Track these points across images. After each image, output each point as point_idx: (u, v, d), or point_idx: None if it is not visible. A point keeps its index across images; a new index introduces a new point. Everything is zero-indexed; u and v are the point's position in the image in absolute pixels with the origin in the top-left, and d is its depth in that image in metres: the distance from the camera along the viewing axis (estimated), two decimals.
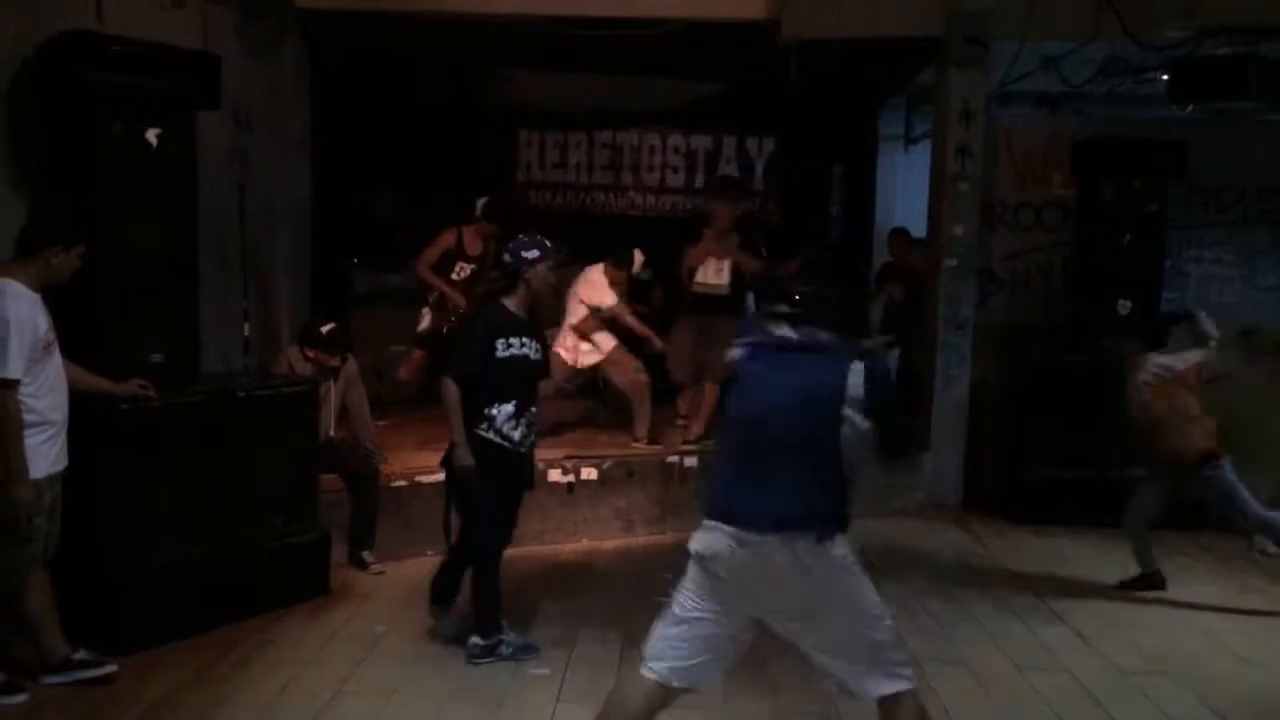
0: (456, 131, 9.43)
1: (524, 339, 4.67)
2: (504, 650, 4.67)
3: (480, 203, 7.64)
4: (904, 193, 10.24)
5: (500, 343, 4.60)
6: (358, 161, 8.71)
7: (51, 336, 4.14)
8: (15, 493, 3.99)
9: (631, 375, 7.25)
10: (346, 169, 8.47)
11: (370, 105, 8.71)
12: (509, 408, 4.60)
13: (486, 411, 4.58)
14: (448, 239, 7.58)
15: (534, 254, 4.71)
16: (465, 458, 4.57)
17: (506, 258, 4.79)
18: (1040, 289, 7.97)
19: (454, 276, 7.55)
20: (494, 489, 4.67)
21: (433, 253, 7.57)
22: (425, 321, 7.80)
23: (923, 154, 9.96)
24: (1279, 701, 4.57)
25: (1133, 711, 4.35)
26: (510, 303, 4.73)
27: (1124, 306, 7.28)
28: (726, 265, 7.35)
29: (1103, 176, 7.32)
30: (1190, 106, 7.92)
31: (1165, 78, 7.89)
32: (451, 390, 4.57)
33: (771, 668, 4.62)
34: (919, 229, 9.02)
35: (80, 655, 4.33)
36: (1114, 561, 6.07)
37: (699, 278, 7.45)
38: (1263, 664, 4.86)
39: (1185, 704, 4.43)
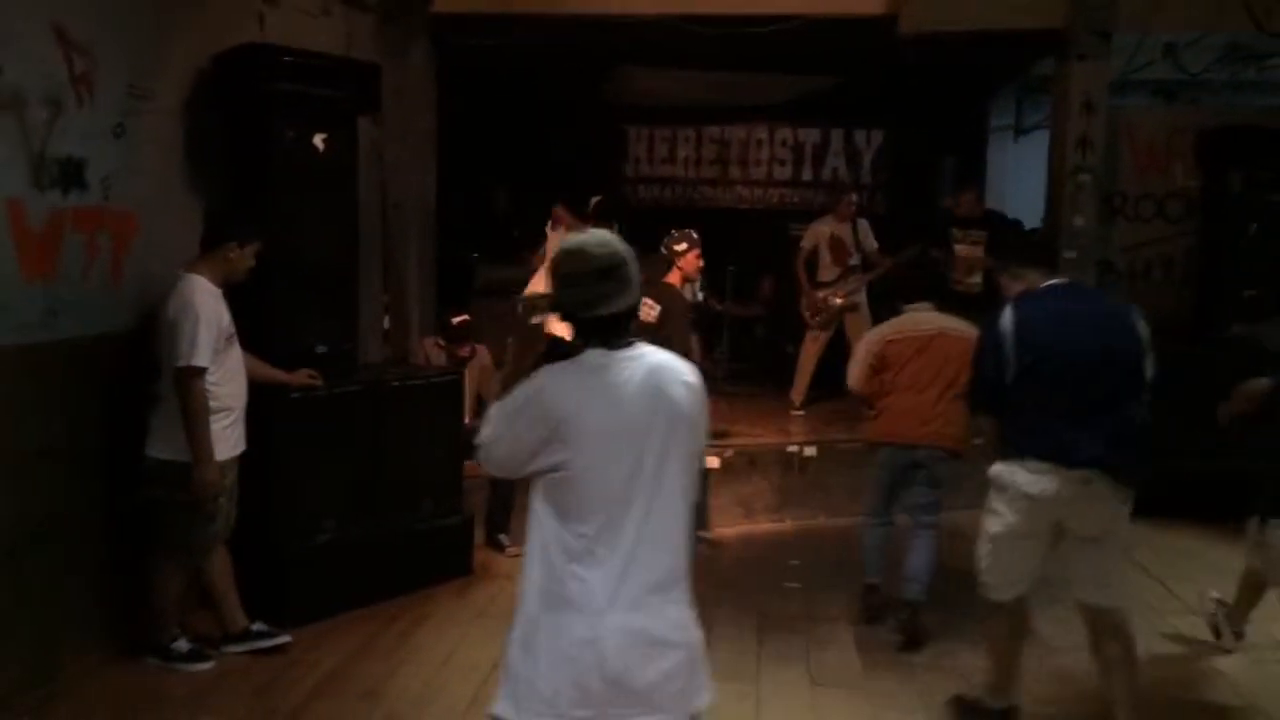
0: (571, 128, 9.68)
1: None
2: None
3: (593, 202, 7.90)
4: (1014, 183, 10.22)
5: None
6: (478, 158, 9.01)
7: (232, 329, 4.44)
8: (202, 474, 4.28)
9: None
10: (467, 166, 8.77)
11: (489, 104, 9.00)
12: None
13: None
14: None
15: (683, 246, 5.92)
16: None
17: (663, 250, 5.95)
18: (1161, 280, 7.88)
19: None
20: None
21: (550, 253, 7.85)
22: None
23: (1032, 144, 9.96)
24: None
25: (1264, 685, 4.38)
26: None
27: (1250, 296, 7.21)
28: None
29: (1230, 166, 7.24)
30: None
31: None
32: None
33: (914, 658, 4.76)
34: (1029, 219, 9.01)
35: (258, 626, 4.64)
36: (1229, 554, 6.04)
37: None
38: None
39: None
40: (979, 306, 7.44)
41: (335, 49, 6.07)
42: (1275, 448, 4.58)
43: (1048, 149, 7.94)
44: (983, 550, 3.87)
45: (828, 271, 8.33)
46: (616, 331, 2.43)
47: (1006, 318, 3.73)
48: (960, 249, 7.84)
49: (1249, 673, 4.65)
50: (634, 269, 2.45)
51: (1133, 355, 3.71)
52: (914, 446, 5.06)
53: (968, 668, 4.59)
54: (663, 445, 2.40)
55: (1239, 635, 4.87)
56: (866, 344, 5.29)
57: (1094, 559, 3.76)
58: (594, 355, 2.43)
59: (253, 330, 4.64)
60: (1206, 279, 7.40)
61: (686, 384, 2.46)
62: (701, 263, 6.06)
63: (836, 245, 8.32)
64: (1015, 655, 4.01)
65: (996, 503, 3.79)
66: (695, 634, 2.49)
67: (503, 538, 6.14)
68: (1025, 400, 3.67)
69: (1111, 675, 3.83)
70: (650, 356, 2.46)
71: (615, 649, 2.34)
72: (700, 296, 8.93)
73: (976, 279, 7.64)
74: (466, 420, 6.32)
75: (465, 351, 6.33)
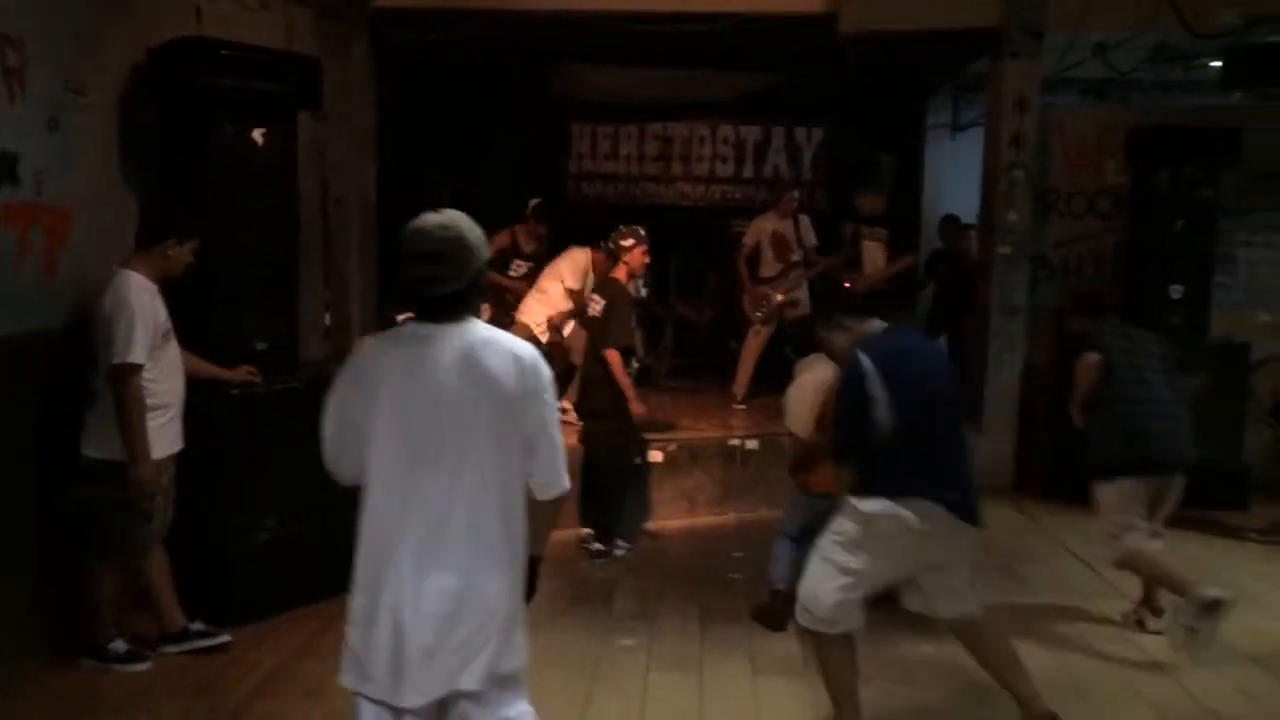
0: (512, 124, 9.67)
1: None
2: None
3: (531, 204, 7.97)
4: (951, 180, 10.39)
5: (634, 315, 6.09)
6: (421, 154, 8.97)
7: (169, 325, 4.39)
8: (139, 472, 4.23)
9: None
10: (411, 161, 8.74)
11: (433, 99, 8.96)
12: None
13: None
14: (503, 239, 7.92)
15: (629, 242, 6.06)
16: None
17: (609, 248, 6.16)
18: (1092, 276, 8.08)
19: (510, 274, 7.90)
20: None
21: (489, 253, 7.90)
22: (485, 316, 8.10)
23: (969, 142, 10.13)
24: None
25: (1199, 678, 4.53)
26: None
27: (1176, 292, 7.42)
28: None
29: (1158, 164, 7.43)
30: (1240, 93, 8.05)
31: (1217, 65, 8.01)
32: (613, 357, 5.92)
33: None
34: (965, 215, 9.20)
35: (197, 626, 4.61)
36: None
37: None
38: None
39: (1248, 672, 4.61)
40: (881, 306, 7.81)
41: (274, 43, 6.02)
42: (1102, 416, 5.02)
43: (983, 146, 8.10)
44: (829, 586, 3.76)
45: (769, 268, 8.42)
46: (451, 309, 2.51)
47: (864, 361, 3.68)
48: (866, 245, 8.09)
49: (1182, 655, 4.79)
50: (470, 252, 2.50)
51: (958, 393, 3.97)
52: None
53: (909, 655, 4.71)
54: (474, 418, 2.47)
55: (1156, 612, 5.07)
56: (814, 385, 4.93)
57: (946, 580, 3.87)
58: (416, 327, 2.54)
59: (191, 327, 4.60)
60: (1135, 275, 7.60)
61: (514, 360, 2.50)
62: (648, 259, 6.15)
63: (778, 242, 8.41)
64: (854, 680, 3.94)
65: (863, 540, 3.72)
66: (503, 605, 2.52)
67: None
68: (895, 439, 3.64)
69: (1003, 673, 3.93)
70: (477, 333, 2.52)
71: (420, 616, 2.44)
72: (644, 293, 9.02)
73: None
74: None
75: None
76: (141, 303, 4.24)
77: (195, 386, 4.56)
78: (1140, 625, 5.11)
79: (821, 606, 3.76)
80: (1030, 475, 7.75)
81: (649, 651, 4.75)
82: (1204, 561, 5.99)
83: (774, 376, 8.37)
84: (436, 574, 2.45)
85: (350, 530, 5.12)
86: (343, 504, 5.30)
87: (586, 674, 4.46)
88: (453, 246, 2.50)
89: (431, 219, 2.54)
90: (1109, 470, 4.98)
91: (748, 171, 10.56)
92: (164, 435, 4.38)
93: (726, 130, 10.51)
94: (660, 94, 10.02)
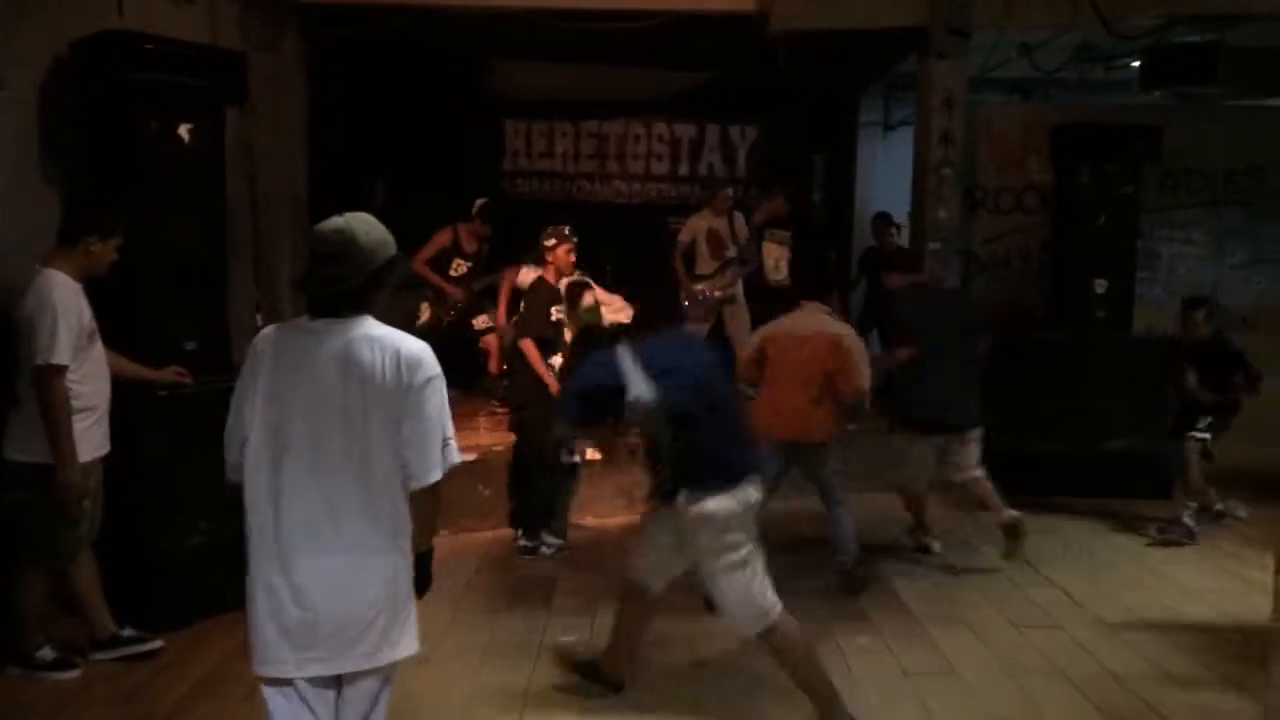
0: (446, 121, 9.61)
1: (560, 306, 6.02)
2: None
3: (477, 204, 7.94)
4: (883, 178, 10.55)
5: (553, 309, 5.97)
6: (354, 151, 8.88)
7: (94, 325, 4.29)
8: (65, 475, 4.14)
9: None
10: (343, 159, 8.64)
11: (363, 96, 8.87)
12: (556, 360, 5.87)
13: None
14: (443, 238, 7.88)
15: (552, 241, 6.08)
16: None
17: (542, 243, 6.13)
18: (1020, 270, 8.27)
19: (451, 273, 7.85)
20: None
21: (429, 250, 7.88)
22: (424, 315, 8.06)
23: (901, 140, 10.28)
24: (1255, 653, 4.89)
25: (1124, 661, 4.67)
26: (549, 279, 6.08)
27: (1100, 286, 7.60)
28: None
29: (1080, 161, 7.61)
30: (1160, 92, 8.29)
31: (1136, 65, 8.23)
32: (529, 347, 5.86)
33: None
34: (898, 213, 9.34)
35: (128, 632, 4.51)
36: (1088, 525, 6.60)
37: None
38: (1237, 616, 5.18)
39: (1171, 654, 4.75)
40: (787, 298, 7.95)
41: (199, 38, 5.92)
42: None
43: (913, 143, 8.23)
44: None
45: (705, 265, 8.48)
46: (342, 306, 2.65)
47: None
48: (768, 247, 8.23)
49: (1106, 641, 4.93)
50: (363, 253, 2.63)
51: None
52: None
53: (847, 646, 4.78)
54: (348, 410, 2.60)
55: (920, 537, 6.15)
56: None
57: None
58: (307, 322, 2.69)
59: (117, 327, 4.51)
60: (1059, 269, 7.78)
61: (394, 355, 2.62)
62: (573, 257, 6.16)
63: (713, 239, 8.47)
64: (638, 637, 4.33)
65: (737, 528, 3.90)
66: (375, 592, 2.64)
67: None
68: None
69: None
70: (364, 330, 2.66)
71: (300, 594, 2.59)
72: None
73: (783, 274, 8.15)
74: None
75: None
76: (65, 302, 4.14)
77: (122, 388, 4.48)
78: (925, 550, 6.08)
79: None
80: None
81: (589, 647, 4.75)
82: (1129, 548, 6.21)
83: None
84: (309, 558, 2.59)
85: None
86: None
87: (525, 670, 4.45)
88: (346, 249, 2.62)
89: (330, 222, 2.68)
90: (900, 424, 6.04)
91: (683, 169, 10.63)
92: (90, 437, 4.29)
93: (661, 128, 10.56)
94: (595, 92, 10.03)
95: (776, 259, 8.33)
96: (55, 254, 4.27)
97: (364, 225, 2.69)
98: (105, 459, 4.40)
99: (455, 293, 7.71)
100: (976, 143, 8.10)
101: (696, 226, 8.56)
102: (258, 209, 6.98)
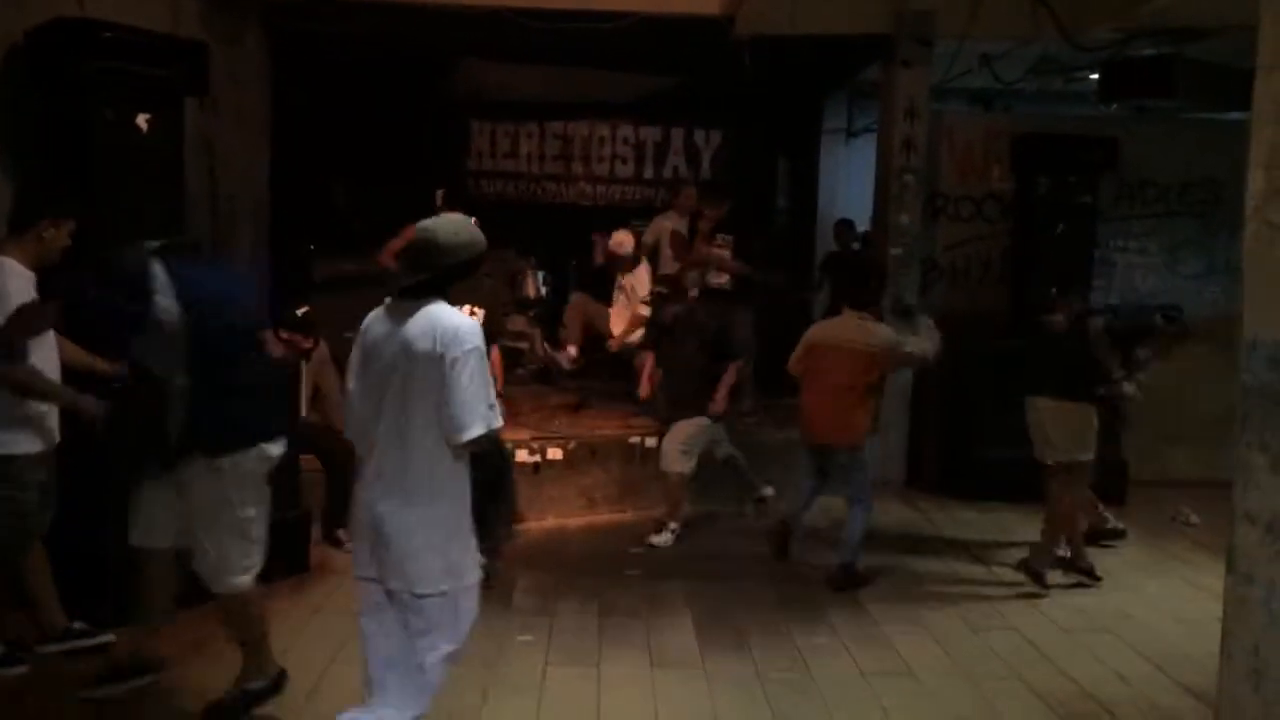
0: (411, 120, 9.54)
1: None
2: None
3: (438, 194, 7.86)
4: (846, 184, 10.63)
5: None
6: (315, 149, 8.78)
7: None
8: (77, 404, 4.12)
9: None
10: (304, 156, 8.55)
11: (327, 93, 8.79)
12: None
13: None
14: (411, 233, 7.78)
15: None
16: None
17: None
18: (980, 277, 8.34)
19: None
20: None
21: (397, 245, 7.78)
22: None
23: (863, 147, 10.37)
24: (1204, 654, 4.96)
25: (1078, 663, 4.72)
26: None
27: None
28: None
29: (1039, 170, 7.72)
30: (1117, 104, 8.41)
31: (1094, 77, 8.35)
32: None
33: (747, 635, 4.93)
34: (860, 220, 9.41)
35: (78, 625, 4.44)
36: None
37: None
38: (1188, 619, 5.26)
39: (1124, 657, 4.81)
40: (731, 299, 7.98)
41: (160, 28, 5.83)
42: None
43: (876, 150, 8.29)
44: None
45: (669, 266, 8.47)
46: (416, 293, 3.13)
47: None
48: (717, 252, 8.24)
49: (1060, 643, 4.98)
50: (440, 251, 3.12)
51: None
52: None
53: (805, 646, 4.81)
54: (406, 378, 3.07)
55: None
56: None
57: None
58: (393, 304, 3.17)
59: (71, 319, 4.42)
60: (1019, 277, 7.87)
61: (432, 329, 3.05)
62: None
63: (677, 240, 8.46)
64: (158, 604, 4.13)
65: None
66: (418, 533, 3.10)
67: (341, 533, 6.01)
68: None
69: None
70: (425, 310, 3.10)
71: (368, 525, 3.16)
72: (544, 291, 9.02)
73: (725, 277, 8.06)
74: (303, 413, 6.18)
75: (309, 343, 6.19)
76: (16, 289, 4.06)
77: (75, 379, 4.39)
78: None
79: None
80: (921, 471, 7.97)
81: (547, 647, 4.74)
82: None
83: None
84: (383, 500, 3.13)
85: None
86: None
87: (484, 669, 4.42)
88: (427, 245, 3.13)
89: (422, 222, 3.20)
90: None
91: (648, 172, 10.60)
92: (41, 428, 4.21)
93: (627, 130, 10.53)
94: (561, 93, 10.01)
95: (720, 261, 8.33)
96: (6, 241, 4.20)
97: (450, 227, 3.18)
98: (60, 452, 4.32)
99: None
100: (939, 151, 8.18)
101: (661, 227, 8.54)
102: (218, 204, 6.89)
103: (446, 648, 3.23)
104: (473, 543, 3.23)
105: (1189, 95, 7.60)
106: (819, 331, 5.95)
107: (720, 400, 6.46)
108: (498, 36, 8.00)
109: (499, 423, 3.13)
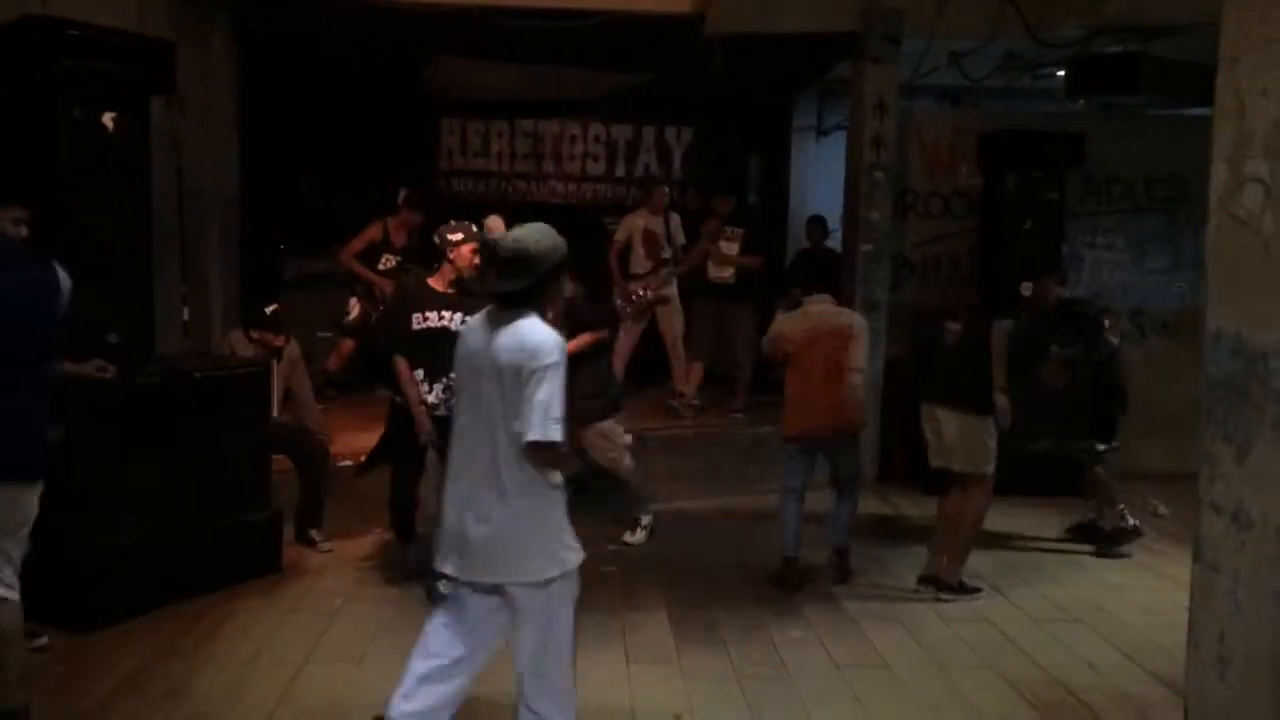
0: (381, 119, 9.51)
1: (444, 312, 5.29)
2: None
3: (403, 194, 7.84)
4: (816, 182, 10.67)
5: (416, 316, 5.31)
6: (284, 147, 8.74)
7: None
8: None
9: None
10: (273, 155, 8.51)
11: (296, 92, 8.74)
12: (420, 373, 5.28)
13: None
14: (374, 231, 7.77)
15: (458, 236, 5.36)
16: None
17: (436, 240, 5.49)
18: (949, 273, 8.40)
19: (380, 267, 7.76)
20: (407, 448, 5.38)
21: (357, 244, 7.78)
22: (354, 312, 7.96)
23: (834, 144, 10.40)
24: (1173, 643, 5.03)
25: (1049, 652, 4.78)
26: (435, 281, 5.42)
27: (1026, 289, 7.75)
28: None
29: (1007, 167, 7.77)
30: (1084, 101, 8.49)
31: (1061, 74, 8.43)
32: (398, 365, 5.31)
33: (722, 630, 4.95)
34: (832, 217, 9.44)
35: None
36: (1019, 524, 6.68)
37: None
38: (1158, 610, 5.32)
39: (1094, 646, 4.87)
40: (735, 295, 8.18)
41: (126, 26, 5.77)
42: None
43: (846, 148, 8.33)
44: None
45: (640, 264, 8.49)
46: (510, 302, 3.22)
47: None
48: (725, 245, 8.31)
49: (1031, 634, 5.04)
50: (532, 261, 3.17)
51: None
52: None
53: (780, 640, 4.84)
54: (496, 385, 3.18)
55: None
56: None
57: None
58: (490, 313, 3.29)
59: None
60: (987, 272, 7.93)
61: (521, 344, 3.15)
62: (478, 259, 5.03)
63: (649, 239, 8.48)
64: None
65: None
66: (508, 523, 3.18)
67: (314, 533, 5.99)
68: None
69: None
70: (516, 321, 3.20)
71: (456, 516, 3.26)
72: None
73: (729, 272, 8.27)
74: (275, 413, 6.14)
75: (280, 341, 6.16)
76: None
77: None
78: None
79: None
80: (892, 466, 8.02)
81: None
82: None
83: (647, 373, 8.49)
84: (474, 499, 3.23)
85: (210, 530, 4.99)
86: (204, 505, 5.19)
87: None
88: (519, 256, 3.18)
89: (510, 232, 3.32)
90: None
91: (619, 170, 10.62)
92: None
93: (598, 128, 10.55)
94: (531, 91, 9.99)
95: (725, 256, 8.40)
96: None
97: (536, 235, 3.23)
98: None
99: (385, 285, 7.60)
100: (908, 148, 8.22)
101: (633, 225, 8.56)
102: (185, 203, 6.83)
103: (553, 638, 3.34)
104: (566, 536, 3.29)
105: (1155, 91, 7.68)
106: (788, 323, 5.74)
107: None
108: (468, 34, 7.98)
109: (557, 437, 3.12)
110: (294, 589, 5.35)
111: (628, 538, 6.35)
